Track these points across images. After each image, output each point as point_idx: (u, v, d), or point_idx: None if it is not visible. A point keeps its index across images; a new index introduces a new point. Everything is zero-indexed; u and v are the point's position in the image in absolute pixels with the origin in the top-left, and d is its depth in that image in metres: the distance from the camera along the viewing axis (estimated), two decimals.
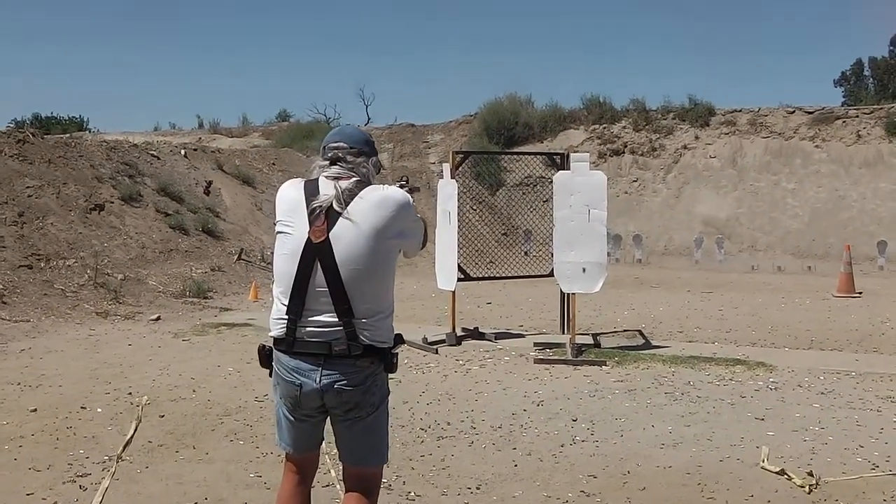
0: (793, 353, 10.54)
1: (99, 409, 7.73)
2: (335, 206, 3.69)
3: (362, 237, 3.67)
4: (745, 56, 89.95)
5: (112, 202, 16.89)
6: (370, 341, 3.71)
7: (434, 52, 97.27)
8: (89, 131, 36.55)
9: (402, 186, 4.03)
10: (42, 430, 7.05)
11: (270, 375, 3.92)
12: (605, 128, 27.71)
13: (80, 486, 5.79)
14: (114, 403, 7.96)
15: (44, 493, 5.64)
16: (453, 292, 11.33)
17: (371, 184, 3.84)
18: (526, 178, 23.14)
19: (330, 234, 3.67)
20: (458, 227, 11.25)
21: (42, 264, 13.91)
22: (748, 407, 7.97)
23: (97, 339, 11.17)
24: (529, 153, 21.85)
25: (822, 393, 8.50)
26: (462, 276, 11.55)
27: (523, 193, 22.82)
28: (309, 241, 3.68)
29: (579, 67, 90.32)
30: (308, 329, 3.71)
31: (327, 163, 3.84)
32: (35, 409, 7.66)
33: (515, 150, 25.66)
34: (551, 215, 10.98)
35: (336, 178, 3.78)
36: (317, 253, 3.67)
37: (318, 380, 3.71)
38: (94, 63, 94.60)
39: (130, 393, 8.32)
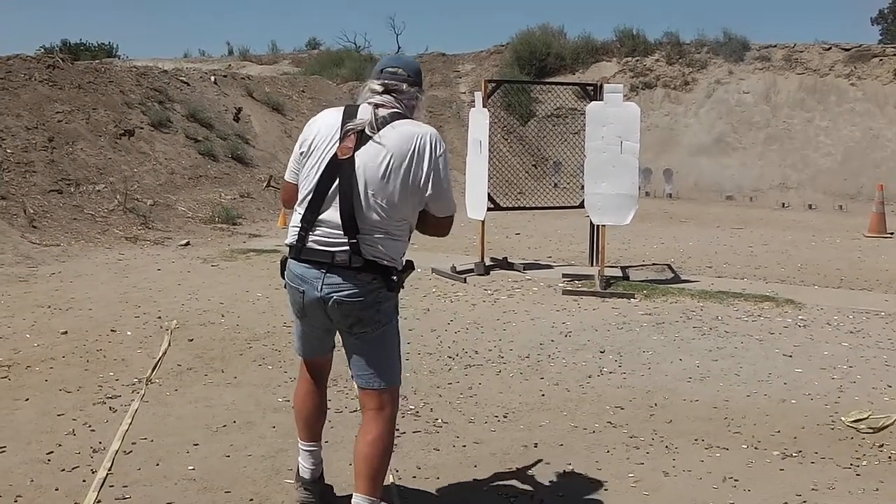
0: (822, 292, 10.48)
1: (128, 333, 7.78)
2: (367, 130, 3.82)
3: (385, 162, 3.80)
4: None
5: (142, 128, 16.87)
6: (372, 257, 3.83)
7: None
8: (118, 58, 36.46)
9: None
10: (72, 353, 7.11)
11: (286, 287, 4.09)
12: (637, 60, 27.45)
13: (109, 407, 5.83)
14: (143, 327, 8.01)
15: (74, 413, 5.68)
16: (482, 222, 11.29)
17: (410, 117, 3.96)
18: (557, 109, 22.96)
19: (355, 154, 3.81)
20: (489, 156, 11.18)
21: (72, 189, 13.95)
22: (776, 343, 7.93)
23: (126, 263, 11.23)
24: (562, 83, 21.65)
25: (851, 332, 8.44)
26: (492, 206, 11.49)
27: (553, 125, 22.65)
28: (335, 157, 3.83)
29: None
30: (316, 238, 3.87)
31: (380, 88, 3.94)
32: (65, 332, 7.73)
33: (547, 80, 25.45)
34: (581, 147, 10.90)
35: (376, 106, 3.89)
36: (339, 168, 3.82)
37: (319, 287, 3.85)
38: None
39: (160, 317, 8.38)
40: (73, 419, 5.57)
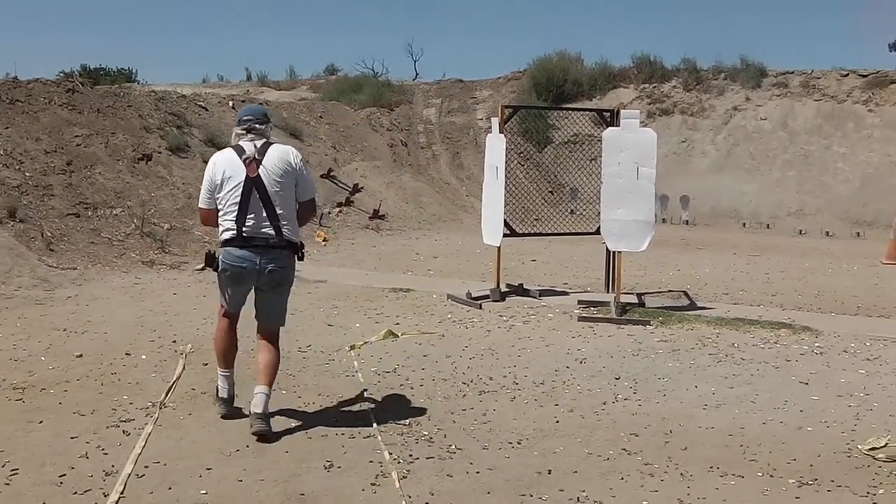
0: (839, 319, 10.40)
1: (143, 356, 7.81)
2: (257, 156, 5.88)
3: (277, 171, 5.89)
4: (798, 16, 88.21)
5: (160, 152, 16.97)
6: (289, 236, 5.93)
7: (483, 7, 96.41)
8: (137, 82, 36.61)
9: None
10: (87, 376, 7.13)
11: (215, 270, 5.99)
12: (654, 87, 27.51)
13: (123, 430, 5.85)
14: (158, 351, 8.03)
15: (87, 436, 5.70)
16: (498, 248, 11.27)
17: (272, 142, 6.04)
18: (573, 135, 22.94)
19: (259, 171, 5.83)
20: (505, 183, 11.18)
21: (90, 213, 14.02)
22: (792, 370, 7.88)
23: (143, 287, 11.26)
24: (579, 109, 21.69)
25: (868, 359, 8.38)
26: (508, 232, 11.47)
27: (570, 151, 22.62)
28: (247, 176, 5.82)
29: (630, 25, 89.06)
30: (252, 230, 5.83)
31: (244, 131, 5.96)
32: (80, 355, 7.76)
33: (564, 106, 25.48)
34: (598, 174, 10.89)
35: (252, 141, 5.93)
36: (254, 183, 5.82)
37: (258, 262, 5.86)
38: (142, 15, 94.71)
39: (175, 341, 8.40)
40: (87, 442, 5.59)
